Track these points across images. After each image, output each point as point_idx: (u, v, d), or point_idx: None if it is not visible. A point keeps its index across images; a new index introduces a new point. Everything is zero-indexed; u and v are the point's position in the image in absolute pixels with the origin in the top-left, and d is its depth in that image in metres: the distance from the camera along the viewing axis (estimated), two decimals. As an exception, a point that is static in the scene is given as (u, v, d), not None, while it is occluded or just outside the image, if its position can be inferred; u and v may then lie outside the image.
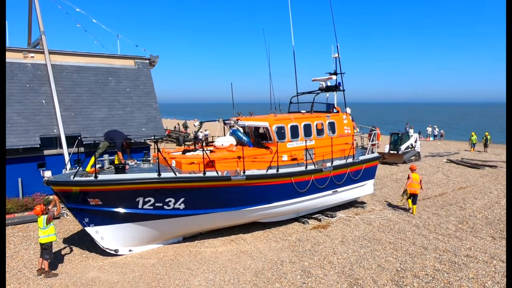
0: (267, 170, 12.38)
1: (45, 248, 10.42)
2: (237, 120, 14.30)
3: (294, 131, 13.88)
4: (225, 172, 11.61)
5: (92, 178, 10.26)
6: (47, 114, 17.43)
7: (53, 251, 11.80)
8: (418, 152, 28.76)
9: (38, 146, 16.76)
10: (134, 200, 10.86)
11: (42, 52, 18.45)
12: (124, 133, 12.03)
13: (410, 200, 15.61)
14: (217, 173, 11.35)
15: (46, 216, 10.38)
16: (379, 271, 10.14)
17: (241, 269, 10.66)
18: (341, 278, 9.87)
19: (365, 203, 16.99)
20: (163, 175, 10.65)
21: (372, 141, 16.56)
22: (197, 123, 16.62)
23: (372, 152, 16.52)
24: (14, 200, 15.73)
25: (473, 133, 35.92)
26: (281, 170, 12.63)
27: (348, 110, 18.26)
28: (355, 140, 16.71)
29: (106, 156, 11.74)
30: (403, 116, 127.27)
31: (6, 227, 14.18)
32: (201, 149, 12.92)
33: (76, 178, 10.29)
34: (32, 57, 18.37)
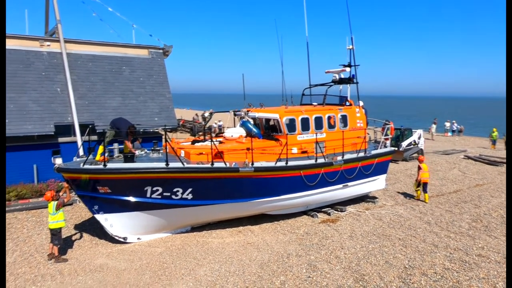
0: (276, 163, 12.28)
1: (54, 234, 10.64)
2: (248, 111, 14.19)
3: (305, 124, 13.69)
4: (233, 163, 11.56)
5: (101, 166, 10.36)
6: (61, 102, 17.70)
7: (65, 236, 12.09)
8: (421, 149, 27.18)
9: (53, 133, 17.06)
10: (142, 189, 10.95)
11: (58, 41, 18.68)
12: (129, 121, 12.09)
13: (419, 191, 16.48)
14: (225, 164, 11.31)
15: (56, 202, 10.57)
16: (386, 268, 9.97)
17: (247, 261, 10.66)
18: (347, 273, 9.75)
19: (376, 198, 16.73)
20: (171, 165, 10.68)
21: (385, 135, 16.22)
22: (207, 114, 16.57)
23: (385, 147, 16.19)
24: (29, 186, 16.12)
25: (494, 129, 34.74)
26: (290, 163, 12.50)
27: (361, 103, 17.90)
28: (368, 134, 16.41)
29: (116, 145, 11.84)
30: (418, 111, 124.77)
31: (20, 212, 14.57)
32: (210, 140, 12.92)
33: (86, 166, 10.41)
34: (48, 45, 18.62)
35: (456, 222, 13.59)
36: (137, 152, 12.23)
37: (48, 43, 18.58)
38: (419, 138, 27.14)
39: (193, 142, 12.95)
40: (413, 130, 27.53)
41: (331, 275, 9.66)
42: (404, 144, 25.77)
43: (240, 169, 11.47)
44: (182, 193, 11.35)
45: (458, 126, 46.35)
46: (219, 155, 11.49)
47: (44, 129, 16.85)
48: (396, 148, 22.95)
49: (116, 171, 10.40)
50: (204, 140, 13.06)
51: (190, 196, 11.50)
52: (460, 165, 24.59)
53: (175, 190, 11.20)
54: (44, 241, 12.08)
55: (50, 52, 18.45)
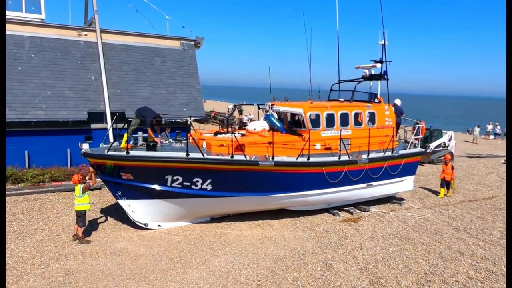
0: (297, 158, 12.11)
1: (79, 216, 11.10)
2: (272, 105, 14.06)
3: (330, 120, 13.38)
4: (254, 156, 11.51)
5: (124, 153, 10.66)
6: (95, 90, 18.36)
7: (91, 219, 12.60)
8: (451, 152, 25.04)
9: (86, 120, 17.76)
10: (163, 177, 11.16)
11: (95, 31, 19.35)
12: (154, 111, 12.29)
13: (443, 189, 16.91)
14: (245, 157, 11.29)
15: (82, 185, 11.01)
16: (405, 272, 9.62)
17: (262, 255, 10.64)
18: (363, 274, 9.50)
19: (403, 199, 16.15)
20: (191, 155, 10.79)
21: (415, 135, 15.57)
22: (230, 106, 16.63)
23: (415, 147, 15.54)
24: (62, 169, 16.91)
25: None
26: (312, 159, 12.29)
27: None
28: (398, 133, 15.83)
29: (140, 133, 12.12)
30: (461, 111, 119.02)
31: (52, 193, 15.32)
32: (231, 132, 12.94)
33: (109, 152, 10.74)
34: (85, 35, 19.32)
35: (487, 230, 12.86)
36: (161, 142, 12.47)
37: (85, 32, 19.28)
38: (449, 140, 25.23)
39: (216, 133, 13.02)
40: (443, 131, 25.77)
41: (346, 275, 9.44)
42: (432, 145, 24.20)
43: (260, 162, 11.41)
44: (202, 184, 11.46)
45: (501, 129, 43.75)
46: (240, 147, 11.48)
47: (78, 115, 17.58)
48: (424, 149, 21.91)
49: (137, 158, 10.66)
50: (227, 132, 13.10)
51: (209, 187, 11.59)
52: (500, 170, 23.22)
53: (194, 180, 11.33)
54: (71, 222, 12.63)
55: (87, 41, 19.15)
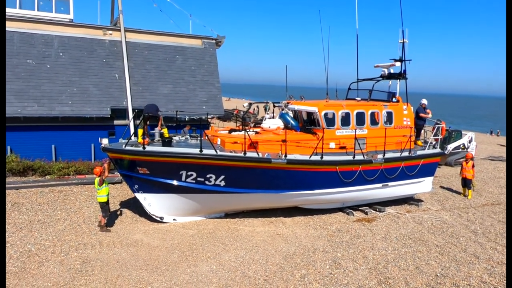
0: (310, 156, 12.15)
1: (101, 207, 11.68)
2: (288, 103, 14.14)
3: (345, 119, 13.32)
4: (266, 154, 11.65)
5: (140, 148, 11.05)
6: (118, 88, 19.00)
7: (111, 210, 13.09)
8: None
9: (109, 116, 18.41)
10: (177, 172, 11.48)
11: (119, 30, 20.00)
12: (157, 107, 12.69)
13: (466, 189, 16.68)
14: (258, 154, 11.44)
15: (98, 178, 11.51)
16: (415, 274, 9.51)
17: (272, 251, 10.78)
18: (371, 274, 9.46)
19: (422, 201, 15.83)
20: (204, 151, 11.05)
21: (434, 135, 15.22)
22: (246, 104, 16.85)
23: (434, 148, 15.20)
24: (86, 163, 17.63)
25: None
26: (325, 158, 12.29)
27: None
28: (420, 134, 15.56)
29: (157, 129, 12.50)
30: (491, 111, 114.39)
31: (76, 186, 16.01)
32: (244, 130, 13.12)
33: (127, 147, 11.16)
34: (110, 34, 20.01)
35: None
36: (151, 140, 12.63)
37: (110, 32, 19.97)
38: (469, 141, 23.88)
39: (230, 131, 13.24)
40: (463, 132, 24.53)
41: (354, 274, 9.44)
42: (450, 147, 22.84)
43: (272, 160, 11.53)
44: (215, 180, 11.71)
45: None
46: (253, 145, 11.64)
47: (102, 112, 18.26)
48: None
49: (152, 153, 11.02)
50: (241, 130, 13.29)
51: (222, 183, 11.82)
52: (528, 173, 22.30)
53: (208, 176, 11.59)
54: (91, 213, 13.22)
55: (112, 40, 19.82)
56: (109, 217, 12.59)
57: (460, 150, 23.24)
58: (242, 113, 19.56)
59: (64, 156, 17.80)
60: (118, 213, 13.43)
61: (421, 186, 14.98)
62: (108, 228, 11.89)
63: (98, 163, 17.72)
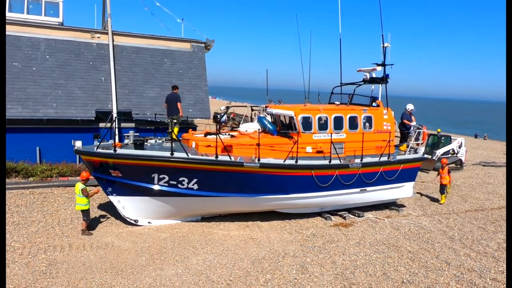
0: (285, 160, 12.10)
1: (82, 212, 11.65)
2: (266, 107, 14.12)
3: (322, 123, 13.27)
4: (239, 158, 11.61)
5: (111, 151, 11.05)
6: (104, 90, 19.06)
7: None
8: (460, 160, 23.61)
9: (93, 119, 18.47)
10: (149, 175, 11.46)
11: (107, 33, 20.10)
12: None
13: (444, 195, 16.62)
14: (230, 158, 11.40)
15: (82, 186, 11.47)
16: (381, 280, 9.41)
17: (242, 255, 10.71)
18: (337, 280, 9.37)
19: (404, 206, 15.72)
20: (176, 155, 11.03)
21: (416, 140, 15.12)
22: (223, 107, 16.83)
23: (415, 152, 15.09)
24: (70, 165, 17.68)
25: None
26: (300, 162, 12.23)
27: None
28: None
29: (131, 132, 12.52)
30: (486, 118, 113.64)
31: (57, 188, 16.02)
32: (224, 133, 13.12)
33: (98, 150, 11.18)
34: (98, 37, 20.10)
35: (485, 241, 12.30)
36: (154, 141, 12.83)
37: (98, 35, 20.06)
38: (459, 147, 23.50)
39: (206, 134, 13.22)
40: (452, 138, 24.13)
41: (319, 279, 9.35)
42: (439, 152, 22.44)
43: (245, 163, 11.49)
44: (188, 183, 11.68)
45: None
46: (227, 148, 11.61)
47: (86, 114, 18.31)
48: (429, 156, 20.63)
49: (123, 156, 11.03)
50: (217, 133, 13.27)
51: (195, 187, 11.79)
52: (518, 180, 22.05)
53: (180, 179, 11.56)
54: (68, 216, 13.21)
55: (99, 43, 19.91)
56: (89, 221, 12.54)
57: (450, 155, 22.94)
58: (219, 116, 19.53)
59: (48, 158, 17.84)
60: (95, 216, 13.40)
61: (401, 191, 14.86)
62: (90, 232, 11.85)
63: (82, 166, 17.77)
